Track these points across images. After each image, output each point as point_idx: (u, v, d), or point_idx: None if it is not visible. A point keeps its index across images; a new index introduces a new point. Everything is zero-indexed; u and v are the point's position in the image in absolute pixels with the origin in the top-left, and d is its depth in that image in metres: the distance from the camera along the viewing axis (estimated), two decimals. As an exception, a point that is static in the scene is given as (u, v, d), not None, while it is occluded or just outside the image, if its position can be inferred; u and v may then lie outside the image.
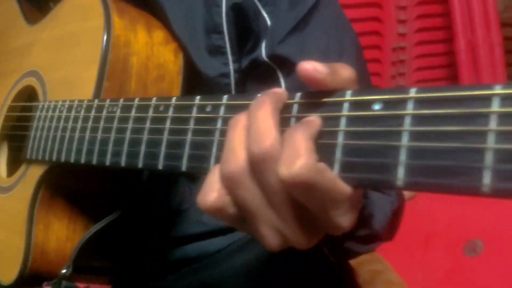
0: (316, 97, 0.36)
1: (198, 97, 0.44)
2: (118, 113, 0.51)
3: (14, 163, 0.70)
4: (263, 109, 0.35)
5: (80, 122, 0.55)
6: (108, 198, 0.60)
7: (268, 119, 0.34)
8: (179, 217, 0.65)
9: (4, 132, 0.74)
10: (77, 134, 0.55)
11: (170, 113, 0.46)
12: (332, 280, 0.65)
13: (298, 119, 0.36)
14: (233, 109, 0.40)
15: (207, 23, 0.62)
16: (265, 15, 0.61)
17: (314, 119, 0.34)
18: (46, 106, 0.62)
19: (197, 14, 0.62)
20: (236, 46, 0.62)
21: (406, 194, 1.04)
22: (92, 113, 0.54)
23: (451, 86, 0.30)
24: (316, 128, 0.34)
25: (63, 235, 0.62)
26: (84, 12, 0.64)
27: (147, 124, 0.47)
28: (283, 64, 0.59)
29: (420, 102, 0.31)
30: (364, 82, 0.63)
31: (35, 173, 0.62)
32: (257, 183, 0.34)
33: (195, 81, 0.63)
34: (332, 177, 0.32)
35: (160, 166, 0.45)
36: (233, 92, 0.62)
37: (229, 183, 0.35)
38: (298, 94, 0.37)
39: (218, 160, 0.39)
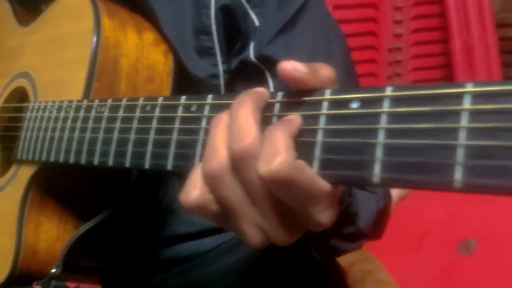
0: (297, 96, 0.37)
1: (183, 97, 0.44)
2: (106, 113, 0.52)
3: (5, 164, 0.70)
4: (244, 108, 0.35)
5: (69, 122, 0.56)
6: (98, 198, 0.61)
7: (249, 118, 0.35)
8: (169, 217, 0.65)
9: (-4, 133, 0.74)
10: (66, 134, 0.56)
11: (157, 113, 0.46)
12: (320, 279, 0.66)
13: (280, 117, 0.37)
14: (218, 109, 0.41)
15: (196, 25, 0.62)
16: (253, 16, 0.61)
17: (294, 118, 0.35)
18: (36, 107, 0.63)
19: (186, 16, 0.63)
20: (225, 47, 0.62)
21: (399, 193, 1.05)
22: (81, 114, 0.55)
23: (426, 84, 0.31)
24: (296, 126, 0.34)
25: (53, 235, 0.62)
26: (74, 14, 0.65)
27: (134, 124, 0.48)
28: (271, 65, 0.60)
29: (395, 101, 0.31)
30: (352, 83, 0.64)
31: (25, 173, 0.63)
32: (238, 180, 0.35)
33: (185, 82, 0.63)
34: (311, 174, 0.33)
35: (146, 165, 0.46)
36: (222, 92, 0.63)
37: (211, 181, 0.36)
38: (280, 93, 0.38)
39: (202, 158, 0.39)
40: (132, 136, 0.48)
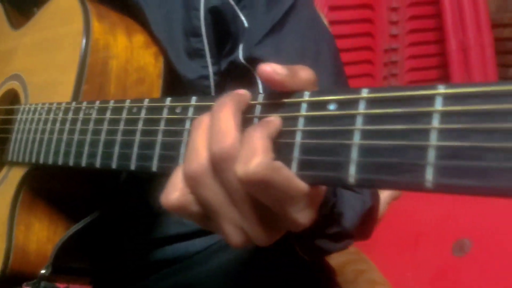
0: (277, 98, 0.37)
1: (168, 99, 0.45)
2: (94, 115, 0.52)
3: (-3, 166, 0.71)
4: (225, 110, 0.36)
5: (58, 124, 0.56)
6: (87, 199, 0.61)
7: (229, 120, 0.35)
8: (159, 218, 0.66)
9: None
10: (55, 136, 0.56)
11: (143, 114, 0.47)
12: (311, 279, 0.66)
13: (261, 119, 0.37)
14: (202, 110, 0.41)
15: (186, 26, 0.63)
16: (242, 18, 0.62)
17: (274, 119, 0.35)
18: (26, 109, 0.63)
19: (176, 17, 0.63)
20: (215, 49, 0.63)
21: (391, 194, 1.05)
22: (70, 116, 0.55)
23: (400, 86, 0.31)
24: (274, 128, 0.35)
25: (44, 236, 0.62)
26: (64, 17, 0.65)
27: (121, 126, 0.48)
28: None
29: (371, 102, 0.32)
30: (341, 84, 0.64)
31: (16, 175, 0.63)
32: (218, 181, 0.35)
33: (176, 84, 0.64)
34: (288, 175, 0.33)
35: (132, 167, 0.46)
36: (213, 94, 0.63)
37: (191, 182, 0.36)
38: (261, 95, 0.38)
39: (183, 160, 0.40)
40: (119, 138, 0.48)
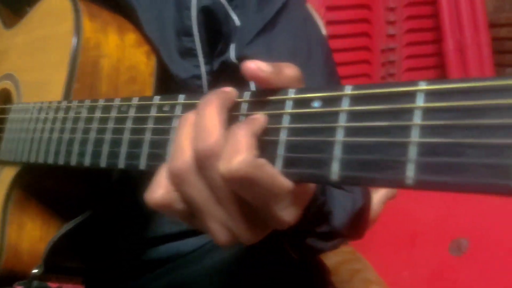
0: (263, 95, 0.37)
1: (157, 97, 0.45)
2: (84, 114, 0.52)
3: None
4: (210, 108, 0.36)
5: (48, 123, 0.56)
6: (80, 199, 0.61)
7: (214, 117, 0.35)
8: (153, 217, 0.66)
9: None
10: (46, 135, 0.56)
11: (131, 113, 0.47)
12: (304, 279, 0.66)
13: (247, 117, 0.37)
14: (190, 108, 0.41)
15: (178, 26, 0.63)
16: (234, 17, 0.62)
17: (259, 117, 0.35)
18: (18, 109, 0.63)
19: (168, 17, 0.63)
20: (207, 48, 0.63)
21: (386, 193, 1.05)
22: (60, 115, 0.55)
23: (382, 83, 0.31)
24: (259, 125, 0.35)
25: (36, 235, 0.62)
26: (56, 16, 0.65)
27: (110, 125, 0.48)
28: None
29: (354, 99, 0.32)
30: (333, 84, 0.64)
31: (8, 174, 0.63)
32: (203, 179, 0.35)
33: (169, 83, 0.64)
34: (272, 172, 0.33)
35: (121, 165, 0.46)
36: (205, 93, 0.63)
37: (176, 179, 0.36)
38: (247, 93, 0.38)
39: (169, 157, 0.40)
40: (108, 136, 0.48)
